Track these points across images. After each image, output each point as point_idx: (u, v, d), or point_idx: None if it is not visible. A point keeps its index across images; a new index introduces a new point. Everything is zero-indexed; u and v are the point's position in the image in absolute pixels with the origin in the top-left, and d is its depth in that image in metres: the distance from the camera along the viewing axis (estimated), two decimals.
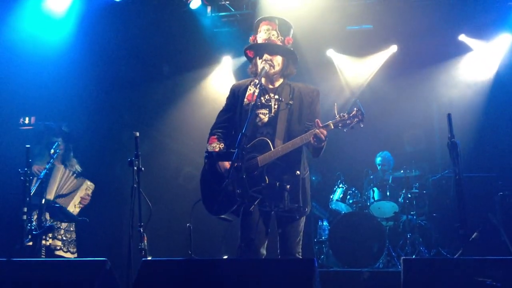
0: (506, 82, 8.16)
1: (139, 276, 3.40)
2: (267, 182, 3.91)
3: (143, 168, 4.33)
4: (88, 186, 6.06)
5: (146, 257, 4.02)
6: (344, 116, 3.88)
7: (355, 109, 3.88)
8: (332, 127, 3.88)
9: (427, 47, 8.33)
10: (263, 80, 4.11)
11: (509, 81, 8.11)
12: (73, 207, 5.94)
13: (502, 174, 7.42)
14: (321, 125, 3.86)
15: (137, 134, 4.38)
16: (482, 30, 8.20)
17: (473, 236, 5.42)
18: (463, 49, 8.49)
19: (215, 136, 4.23)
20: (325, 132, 3.84)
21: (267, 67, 4.09)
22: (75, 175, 6.04)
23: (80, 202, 5.99)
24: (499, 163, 7.79)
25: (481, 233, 5.74)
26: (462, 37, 8.36)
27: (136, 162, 4.30)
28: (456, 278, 3.18)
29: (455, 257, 5.73)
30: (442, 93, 8.59)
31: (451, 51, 8.53)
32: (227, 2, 8.06)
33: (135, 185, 4.23)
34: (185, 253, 4.82)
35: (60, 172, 5.95)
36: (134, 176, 4.26)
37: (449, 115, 4.70)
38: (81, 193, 6.01)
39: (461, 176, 4.57)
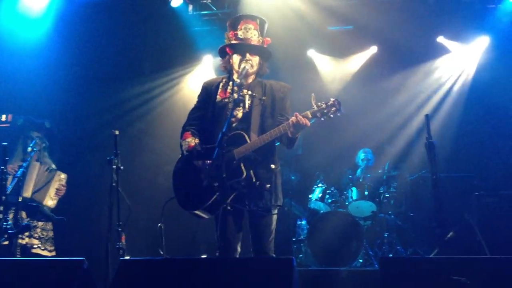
0: (483, 84, 8.28)
1: (117, 276, 3.39)
2: (244, 175, 3.94)
3: (122, 167, 4.31)
4: (61, 178, 5.98)
5: (124, 257, 4.00)
6: (321, 105, 3.92)
7: (332, 99, 3.93)
8: (310, 116, 3.92)
9: (406, 48, 8.42)
10: (235, 76, 4.13)
11: (486, 83, 8.22)
12: (50, 200, 5.86)
13: (478, 174, 7.54)
14: (301, 115, 3.90)
15: (117, 132, 4.36)
16: (460, 32, 8.30)
17: (449, 236, 5.49)
18: (442, 51, 8.59)
19: (189, 132, 4.23)
20: (306, 121, 3.88)
21: (248, 66, 4.12)
22: (49, 170, 5.96)
23: (55, 194, 5.91)
24: (475, 163, 7.90)
25: (457, 232, 5.82)
26: (441, 39, 8.46)
27: (115, 161, 4.28)
28: (432, 277, 3.21)
29: (431, 256, 5.82)
30: (420, 93, 8.69)
31: (430, 53, 8.63)
32: (208, 1, 8.05)
33: (113, 184, 4.21)
34: (163, 253, 4.81)
35: (36, 169, 5.88)
36: (113, 175, 4.24)
37: (427, 116, 4.77)
38: (55, 184, 5.92)
39: (438, 176, 4.63)
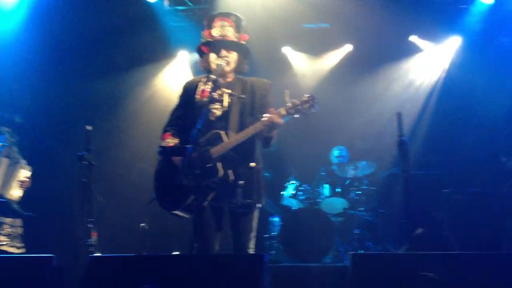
0: (454, 83, 8.41)
1: (87, 273, 3.36)
2: (220, 173, 3.90)
3: (94, 163, 4.27)
4: (25, 171, 5.90)
5: (95, 253, 3.97)
6: (296, 102, 3.88)
7: (306, 95, 3.89)
8: (285, 113, 3.87)
9: (380, 47, 8.50)
10: (213, 74, 4.11)
11: (457, 83, 8.36)
12: (14, 191, 5.77)
13: (447, 171, 7.66)
14: (274, 112, 3.87)
15: (89, 128, 4.32)
16: (432, 32, 8.40)
17: (418, 232, 5.59)
18: (414, 50, 8.69)
19: (170, 133, 4.18)
20: (279, 119, 3.83)
21: (224, 63, 4.09)
22: (15, 164, 5.87)
23: (20, 186, 5.82)
24: (445, 161, 8.02)
25: (425, 229, 5.92)
26: (414, 38, 8.56)
27: (87, 157, 4.24)
28: (401, 272, 3.27)
29: (400, 252, 5.91)
30: (393, 92, 8.78)
31: (403, 51, 8.72)
32: None
33: (85, 180, 4.17)
34: (137, 250, 4.78)
35: (4, 165, 5.78)
36: (85, 171, 4.20)
37: (399, 114, 4.81)
38: (18, 177, 5.84)
39: (409, 173, 4.69)
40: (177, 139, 4.13)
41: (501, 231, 6.09)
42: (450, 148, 8.22)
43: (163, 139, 4.17)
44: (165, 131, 4.22)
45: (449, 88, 8.51)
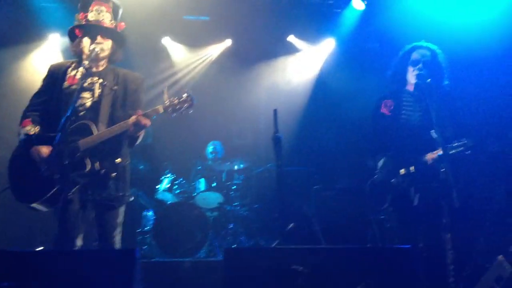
0: (326, 84, 8.80)
1: None
2: (89, 167, 3.78)
3: None
4: None
5: None
6: (174, 100, 3.87)
7: (185, 94, 3.89)
8: (162, 110, 3.86)
9: (259, 44, 8.65)
10: (85, 60, 3.92)
11: (329, 83, 8.74)
12: None
13: (318, 168, 8.00)
14: (142, 113, 3.81)
15: None
16: (309, 33, 8.69)
17: (289, 226, 5.75)
18: (292, 49, 8.95)
19: (30, 119, 3.94)
20: (146, 120, 3.80)
21: (98, 49, 3.94)
22: None
23: None
24: (316, 158, 8.37)
25: (297, 223, 6.12)
26: (291, 38, 8.81)
27: None
28: (273, 266, 3.31)
29: (272, 246, 6.05)
30: (270, 89, 8.99)
31: (281, 50, 8.94)
32: None
33: None
34: None
35: None
36: None
37: (275, 111, 4.88)
38: None
39: (282, 169, 4.81)
40: (38, 127, 3.92)
41: (366, 226, 6.47)
42: (320, 145, 8.59)
43: (22, 125, 3.92)
44: (25, 116, 3.97)
45: (322, 88, 8.88)
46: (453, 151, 4.05)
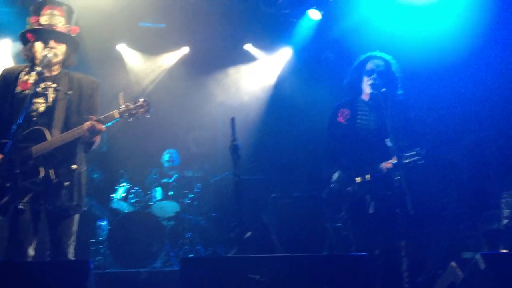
0: (283, 92, 8.86)
1: None
2: (42, 174, 3.68)
3: None
4: None
5: None
6: (129, 105, 3.82)
7: (141, 99, 3.86)
8: (117, 116, 3.81)
9: (216, 52, 8.64)
10: (37, 65, 3.81)
11: (285, 92, 8.80)
12: None
13: (275, 177, 8.03)
14: (96, 119, 3.74)
15: None
16: (266, 42, 8.76)
17: (247, 235, 5.74)
18: (249, 58, 8.99)
19: None
20: (101, 126, 3.74)
21: (51, 55, 3.85)
22: None
23: None
24: (274, 166, 8.40)
25: (254, 232, 6.11)
26: (248, 47, 8.85)
27: None
28: (230, 275, 3.30)
29: (230, 255, 6.03)
30: (227, 97, 8.98)
31: (239, 58, 8.97)
32: None
33: None
34: None
35: None
36: None
37: (232, 119, 4.88)
38: None
39: (240, 177, 4.79)
40: None
41: (323, 234, 6.52)
42: (277, 154, 8.62)
43: None
44: None
45: (279, 97, 8.93)
46: (407, 160, 4.13)
